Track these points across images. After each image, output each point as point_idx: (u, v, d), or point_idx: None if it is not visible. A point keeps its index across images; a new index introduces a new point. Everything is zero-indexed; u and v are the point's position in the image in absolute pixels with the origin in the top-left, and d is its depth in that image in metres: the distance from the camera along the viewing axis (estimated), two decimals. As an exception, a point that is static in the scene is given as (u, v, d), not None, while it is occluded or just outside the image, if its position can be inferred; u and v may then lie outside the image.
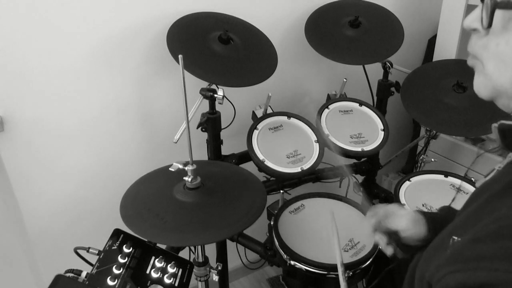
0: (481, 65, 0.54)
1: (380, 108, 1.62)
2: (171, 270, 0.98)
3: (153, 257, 1.00)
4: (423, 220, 0.86)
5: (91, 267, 0.93)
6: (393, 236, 0.87)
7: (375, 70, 1.64)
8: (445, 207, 0.95)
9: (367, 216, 0.92)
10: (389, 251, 0.87)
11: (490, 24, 0.50)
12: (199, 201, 1.02)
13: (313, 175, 1.54)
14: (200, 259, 1.18)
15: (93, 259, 0.96)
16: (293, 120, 1.46)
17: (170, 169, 1.01)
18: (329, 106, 1.52)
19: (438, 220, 0.87)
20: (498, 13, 0.50)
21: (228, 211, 1.02)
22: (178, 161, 1.02)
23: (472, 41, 0.56)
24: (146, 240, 1.03)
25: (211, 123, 1.30)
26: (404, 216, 0.87)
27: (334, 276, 1.15)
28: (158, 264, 0.99)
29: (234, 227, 0.98)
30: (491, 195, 0.56)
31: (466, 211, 0.62)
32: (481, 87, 0.56)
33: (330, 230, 1.06)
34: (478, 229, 0.51)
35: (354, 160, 1.59)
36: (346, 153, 1.41)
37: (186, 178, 1.02)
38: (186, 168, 1.01)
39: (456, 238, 0.55)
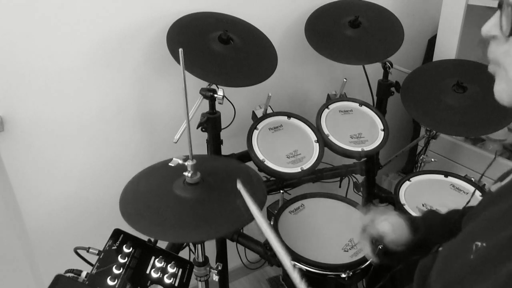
0: (503, 72, 0.53)
1: (380, 108, 1.62)
2: (171, 270, 0.98)
3: (153, 257, 1.00)
4: (404, 224, 0.86)
5: (91, 267, 0.93)
6: (377, 241, 0.88)
7: (375, 70, 1.64)
8: (429, 211, 0.96)
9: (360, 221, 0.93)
10: (372, 258, 0.89)
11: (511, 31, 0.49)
12: (199, 197, 1.01)
13: (313, 175, 1.54)
14: (200, 259, 1.17)
15: (93, 259, 0.96)
16: (293, 120, 1.46)
17: (170, 164, 1.00)
18: (329, 106, 1.51)
19: (420, 223, 0.87)
20: None
21: (228, 207, 1.01)
22: (178, 156, 1.01)
23: (492, 47, 0.54)
24: (146, 239, 1.03)
25: (211, 123, 1.30)
26: (385, 220, 0.88)
27: (334, 276, 1.15)
28: (158, 264, 0.99)
29: (235, 223, 0.98)
30: None
31: (484, 215, 0.60)
32: (504, 93, 0.54)
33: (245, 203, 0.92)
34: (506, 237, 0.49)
35: (354, 160, 1.59)
36: (346, 153, 1.41)
37: (186, 174, 1.00)
38: (186, 163, 1.00)
39: (480, 243, 0.53)
